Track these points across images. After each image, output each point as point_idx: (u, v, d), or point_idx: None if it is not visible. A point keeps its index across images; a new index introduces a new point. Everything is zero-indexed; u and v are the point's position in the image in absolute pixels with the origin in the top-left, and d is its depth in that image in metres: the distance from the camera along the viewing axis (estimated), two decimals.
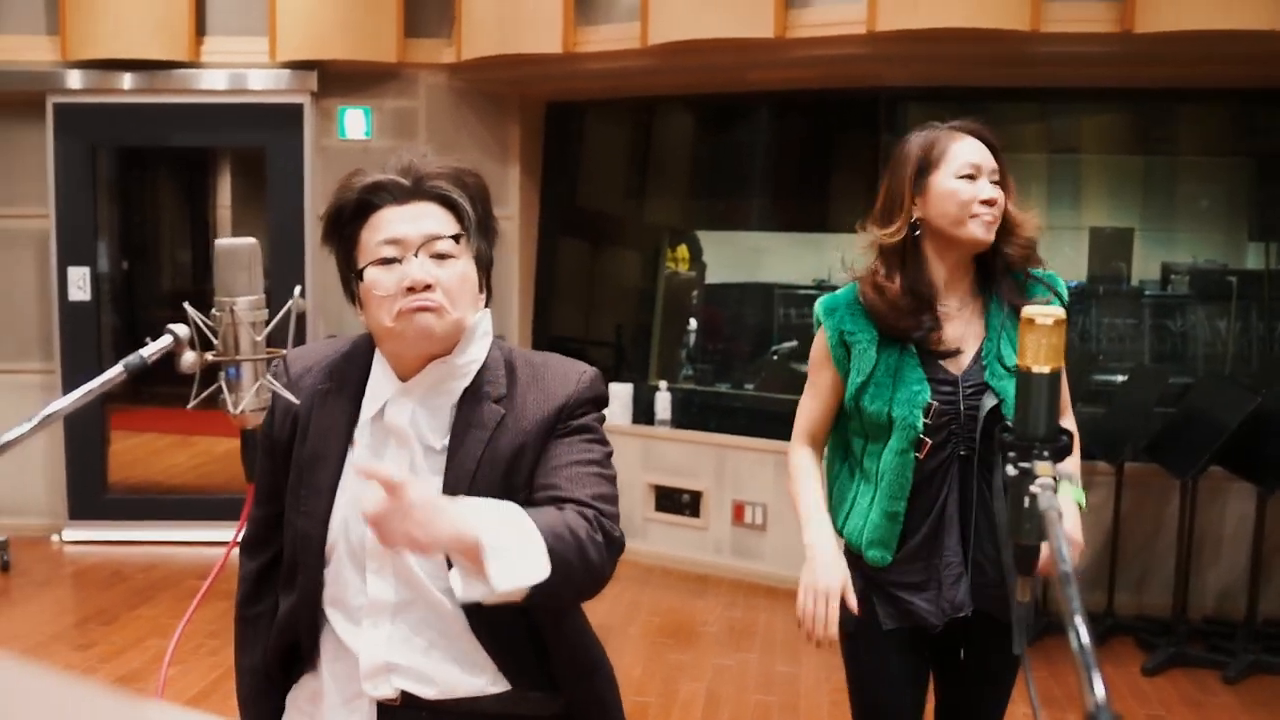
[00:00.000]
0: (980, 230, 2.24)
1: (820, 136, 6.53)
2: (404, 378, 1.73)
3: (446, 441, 1.71)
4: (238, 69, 5.93)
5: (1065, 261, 7.01)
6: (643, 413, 5.96)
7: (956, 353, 2.29)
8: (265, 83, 5.95)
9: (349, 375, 1.79)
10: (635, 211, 7.00)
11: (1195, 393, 4.92)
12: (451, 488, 1.66)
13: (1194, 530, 4.83)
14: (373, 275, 1.66)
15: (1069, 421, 2.43)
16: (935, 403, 2.24)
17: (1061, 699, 4.37)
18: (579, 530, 1.56)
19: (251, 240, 1.63)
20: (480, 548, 1.43)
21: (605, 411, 1.82)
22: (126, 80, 5.89)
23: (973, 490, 2.27)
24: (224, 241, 1.61)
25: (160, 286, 7.68)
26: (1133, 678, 4.56)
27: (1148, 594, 5.08)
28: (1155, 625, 4.89)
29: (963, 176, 2.25)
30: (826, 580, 2.27)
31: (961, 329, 2.31)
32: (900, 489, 2.27)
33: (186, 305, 1.60)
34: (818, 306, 2.39)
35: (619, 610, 5.32)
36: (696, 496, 5.74)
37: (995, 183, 2.26)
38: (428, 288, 1.63)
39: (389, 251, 1.65)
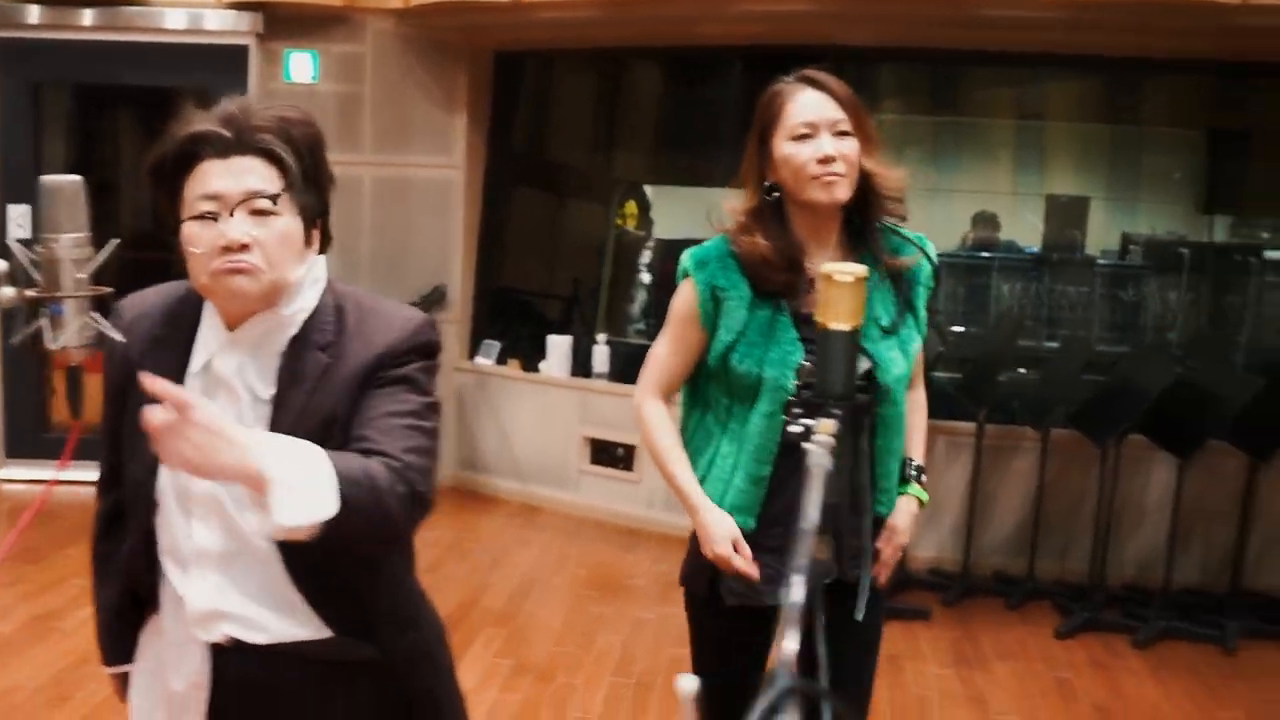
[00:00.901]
0: (821, 193, 2.12)
1: None
2: (231, 327, 1.71)
3: (273, 392, 1.70)
4: (181, 8, 5.87)
5: (1026, 228, 7.04)
6: (582, 366, 5.96)
7: None
8: (208, 23, 5.90)
9: (181, 323, 1.76)
10: (587, 165, 6.97)
11: (1124, 362, 4.93)
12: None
13: (1115, 498, 4.87)
14: (190, 231, 1.63)
15: (920, 393, 2.40)
16: (808, 364, 2.08)
17: (972, 658, 4.43)
18: (378, 478, 1.54)
19: (75, 178, 1.61)
20: (265, 480, 1.43)
21: (437, 360, 1.79)
22: (69, 16, 5.83)
23: (854, 455, 2.10)
24: (48, 179, 1.60)
25: (119, 226, 7.62)
26: (1045, 641, 4.61)
27: (1070, 560, 5.12)
28: (1074, 591, 4.93)
29: (797, 137, 2.12)
30: (722, 534, 2.20)
31: None
32: (767, 453, 2.19)
33: (10, 242, 1.59)
34: (686, 258, 2.26)
35: (547, 561, 5.35)
36: (630, 450, 5.75)
37: (844, 133, 2.12)
38: (244, 247, 1.60)
39: (207, 207, 1.61)
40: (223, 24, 5.89)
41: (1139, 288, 6.58)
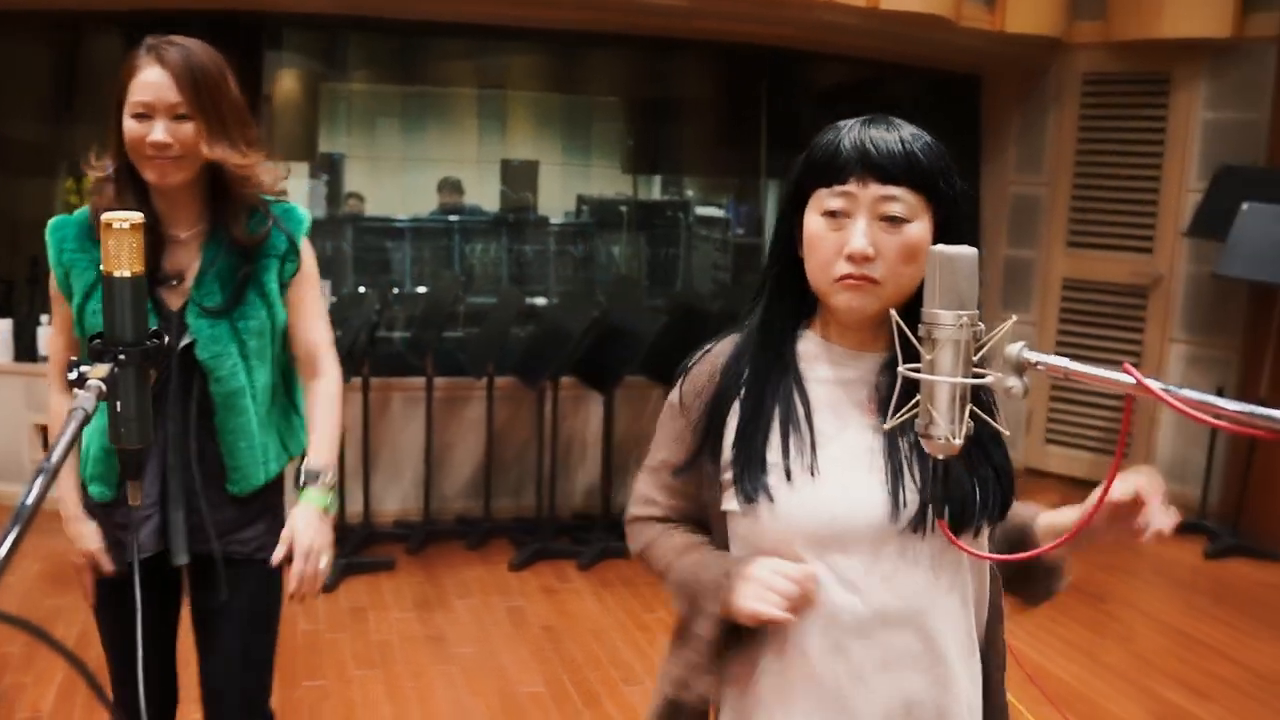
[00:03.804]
0: (152, 175, 2.11)
1: None
2: None
3: None
4: None
5: (491, 192, 7.41)
6: (27, 350, 5.63)
7: (175, 283, 2.20)
8: None
9: None
10: (37, 138, 6.50)
11: (551, 311, 5.36)
12: None
13: (558, 436, 5.30)
14: None
15: (325, 382, 2.32)
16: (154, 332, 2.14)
17: (434, 600, 4.67)
18: None
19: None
20: None
21: None
22: None
23: (182, 429, 2.20)
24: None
25: None
26: (501, 575, 4.95)
27: (524, 497, 5.51)
28: (529, 525, 5.32)
29: (135, 115, 2.08)
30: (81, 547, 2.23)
31: (187, 261, 2.21)
32: None
33: None
34: (47, 227, 2.22)
35: None
36: None
37: (182, 117, 2.08)
38: None
39: None
40: None
41: (588, 243, 7.18)
